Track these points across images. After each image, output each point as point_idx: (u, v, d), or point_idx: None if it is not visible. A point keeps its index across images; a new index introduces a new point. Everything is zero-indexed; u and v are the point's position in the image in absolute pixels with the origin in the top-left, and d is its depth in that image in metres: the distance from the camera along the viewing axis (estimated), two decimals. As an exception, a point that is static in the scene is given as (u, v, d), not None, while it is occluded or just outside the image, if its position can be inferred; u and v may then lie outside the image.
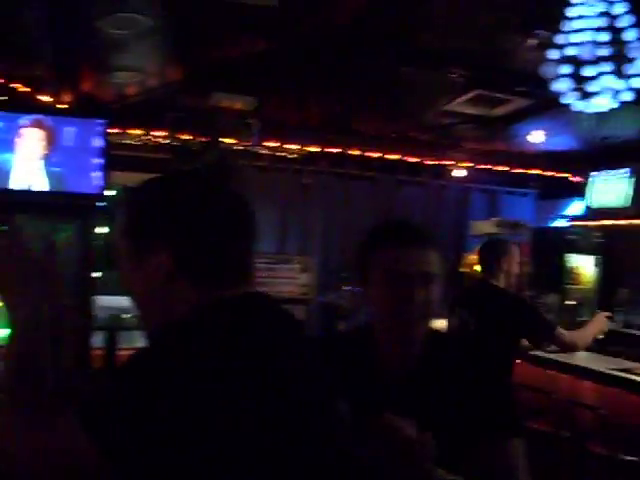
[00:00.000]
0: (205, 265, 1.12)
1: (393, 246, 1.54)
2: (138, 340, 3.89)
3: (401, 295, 1.49)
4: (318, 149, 6.31)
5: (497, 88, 4.54)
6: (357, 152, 6.49)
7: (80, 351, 4.79)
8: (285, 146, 6.14)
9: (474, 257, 6.19)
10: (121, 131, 5.46)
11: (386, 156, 6.61)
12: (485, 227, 6.41)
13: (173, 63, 4.36)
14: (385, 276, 1.53)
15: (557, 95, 3.40)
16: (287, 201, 6.42)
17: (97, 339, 5.05)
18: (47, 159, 4.77)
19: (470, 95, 4.68)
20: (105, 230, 7.23)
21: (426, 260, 1.52)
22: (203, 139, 5.23)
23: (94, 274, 5.50)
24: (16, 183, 4.71)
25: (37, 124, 4.71)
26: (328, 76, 4.50)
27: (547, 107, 4.68)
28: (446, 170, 6.94)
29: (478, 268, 6.02)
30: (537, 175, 7.23)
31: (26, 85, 4.64)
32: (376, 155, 6.56)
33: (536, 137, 5.76)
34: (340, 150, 6.41)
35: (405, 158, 6.72)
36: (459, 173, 6.93)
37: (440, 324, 3.52)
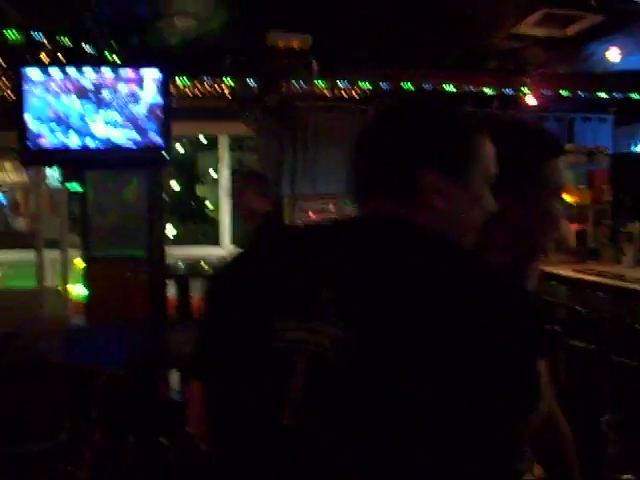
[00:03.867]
0: None
1: (555, 157, 1.45)
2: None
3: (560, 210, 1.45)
4: (384, 86, 6.12)
5: (566, 4, 4.24)
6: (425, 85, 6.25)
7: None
8: (344, 85, 5.98)
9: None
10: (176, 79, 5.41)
11: (452, 88, 6.36)
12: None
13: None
14: (551, 191, 1.44)
15: (634, 5, 3.15)
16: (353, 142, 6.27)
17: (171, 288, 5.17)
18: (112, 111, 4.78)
19: (538, 15, 4.39)
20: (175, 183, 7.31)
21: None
22: (262, 82, 5.14)
23: (167, 226, 5.59)
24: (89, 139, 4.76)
25: (111, 77, 4.70)
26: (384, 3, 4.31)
27: (623, 23, 4.36)
28: (518, 98, 6.63)
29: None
30: (615, 98, 6.83)
31: (74, 37, 4.63)
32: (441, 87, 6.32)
33: (612, 57, 5.39)
34: (404, 85, 6.20)
35: (473, 88, 6.45)
36: (531, 101, 6.61)
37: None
